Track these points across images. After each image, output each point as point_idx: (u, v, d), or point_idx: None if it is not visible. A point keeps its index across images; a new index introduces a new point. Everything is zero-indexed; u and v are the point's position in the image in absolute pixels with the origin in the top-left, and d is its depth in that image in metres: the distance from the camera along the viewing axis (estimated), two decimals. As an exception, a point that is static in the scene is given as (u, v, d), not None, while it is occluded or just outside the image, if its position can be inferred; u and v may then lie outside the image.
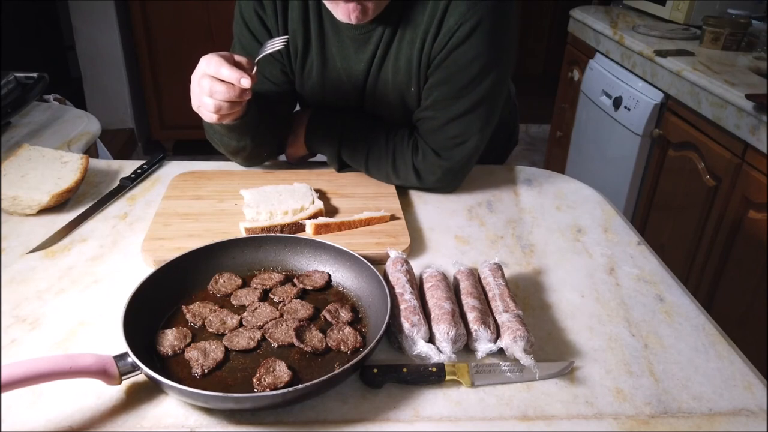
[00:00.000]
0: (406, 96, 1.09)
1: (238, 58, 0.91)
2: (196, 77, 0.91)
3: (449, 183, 1.14)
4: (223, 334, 0.75)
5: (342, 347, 0.73)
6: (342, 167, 1.18)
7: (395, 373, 0.70)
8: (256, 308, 0.79)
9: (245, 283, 0.85)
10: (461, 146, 1.08)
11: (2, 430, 0.63)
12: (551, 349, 0.78)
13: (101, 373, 0.64)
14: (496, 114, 1.10)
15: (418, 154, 1.10)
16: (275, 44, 0.92)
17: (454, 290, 0.83)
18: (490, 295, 0.82)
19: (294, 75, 1.15)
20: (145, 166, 1.19)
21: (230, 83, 0.88)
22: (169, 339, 0.73)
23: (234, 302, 0.81)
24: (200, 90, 0.91)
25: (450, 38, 0.99)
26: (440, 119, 1.06)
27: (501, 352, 0.74)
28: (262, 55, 0.93)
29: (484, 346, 0.74)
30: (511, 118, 1.39)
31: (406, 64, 1.05)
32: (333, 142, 1.15)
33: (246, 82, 0.87)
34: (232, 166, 1.20)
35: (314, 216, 1.00)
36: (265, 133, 1.12)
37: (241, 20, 1.10)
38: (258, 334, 0.75)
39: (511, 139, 1.47)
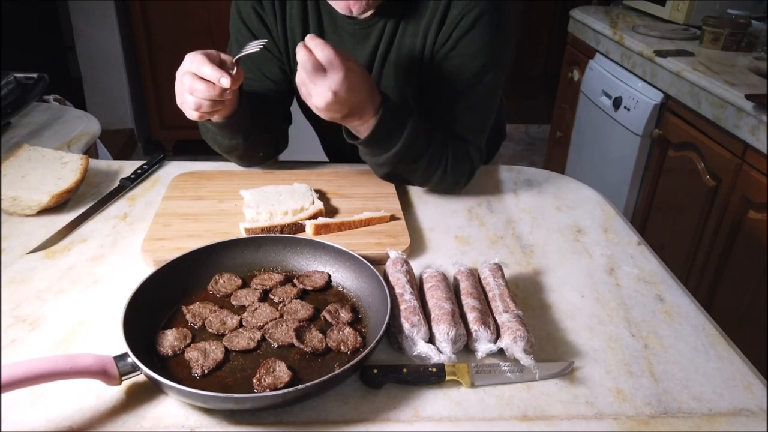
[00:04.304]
0: (407, 90, 1.10)
1: (224, 56, 0.90)
2: (179, 74, 0.91)
3: (458, 184, 1.12)
4: (223, 335, 0.75)
5: (342, 347, 0.73)
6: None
7: (395, 374, 0.70)
8: (256, 309, 0.79)
9: (245, 284, 0.85)
10: (478, 138, 1.09)
11: (2, 430, 0.63)
12: (551, 350, 0.78)
13: (101, 373, 0.64)
14: (495, 111, 1.11)
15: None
16: (254, 47, 0.90)
17: (454, 290, 0.83)
18: (490, 295, 0.82)
19: (293, 73, 1.15)
20: (145, 166, 1.19)
21: (211, 82, 0.88)
22: (169, 339, 0.73)
23: (234, 302, 0.81)
24: (182, 87, 0.91)
25: (454, 28, 1.01)
26: (448, 114, 1.06)
27: (501, 352, 0.74)
28: (240, 56, 0.91)
29: (484, 346, 0.74)
30: (499, 114, 1.40)
31: (409, 57, 1.06)
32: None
33: (225, 82, 0.86)
34: (232, 166, 1.20)
35: (314, 216, 1.00)
36: (259, 133, 1.11)
37: (238, 19, 1.10)
38: (258, 335, 0.75)
39: (500, 135, 1.47)
